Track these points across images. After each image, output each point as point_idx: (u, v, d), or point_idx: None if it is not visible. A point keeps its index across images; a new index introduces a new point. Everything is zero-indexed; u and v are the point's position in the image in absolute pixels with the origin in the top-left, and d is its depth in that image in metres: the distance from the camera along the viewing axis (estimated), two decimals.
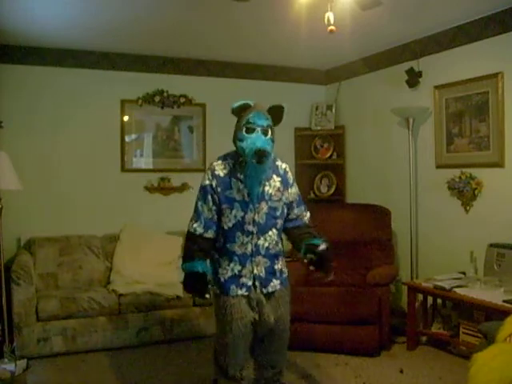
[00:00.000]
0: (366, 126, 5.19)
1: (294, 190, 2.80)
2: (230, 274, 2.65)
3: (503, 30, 3.71)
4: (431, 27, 4.16)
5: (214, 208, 2.62)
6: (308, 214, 2.87)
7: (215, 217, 2.64)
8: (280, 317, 2.72)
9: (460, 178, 4.08)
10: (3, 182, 3.57)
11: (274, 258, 2.73)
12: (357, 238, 4.57)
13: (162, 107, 5.02)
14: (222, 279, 2.66)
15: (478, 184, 3.96)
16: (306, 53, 4.85)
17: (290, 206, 2.77)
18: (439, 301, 4.00)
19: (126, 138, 4.95)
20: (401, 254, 4.73)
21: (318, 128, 5.54)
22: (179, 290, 4.22)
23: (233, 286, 2.63)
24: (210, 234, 2.64)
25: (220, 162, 2.71)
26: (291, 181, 2.79)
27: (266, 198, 2.64)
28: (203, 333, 4.26)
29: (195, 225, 2.64)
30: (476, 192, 3.98)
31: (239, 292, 2.63)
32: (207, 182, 2.65)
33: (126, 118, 4.93)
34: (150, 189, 4.99)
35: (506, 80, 3.72)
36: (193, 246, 2.63)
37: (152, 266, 4.51)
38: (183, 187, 5.08)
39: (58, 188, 4.65)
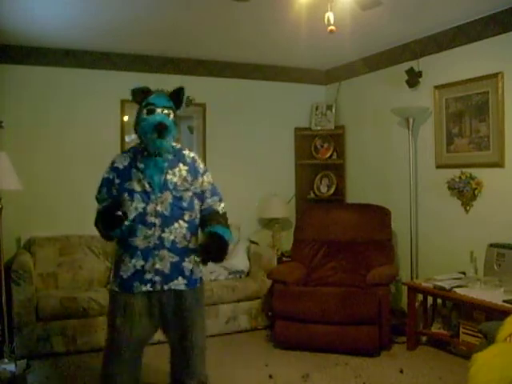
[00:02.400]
0: (366, 126, 5.19)
1: (206, 179, 2.66)
2: (132, 270, 2.50)
3: (503, 30, 3.71)
4: (431, 27, 4.16)
5: (109, 200, 2.54)
6: (223, 204, 2.74)
7: None
8: (187, 324, 2.56)
9: (460, 177, 4.08)
10: (3, 182, 3.57)
11: (183, 254, 2.55)
12: (357, 238, 4.57)
13: None
14: (125, 276, 2.51)
15: (478, 184, 3.96)
16: (305, 53, 4.85)
17: (201, 196, 2.64)
18: (439, 301, 4.00)
19: (126, 138, 4.94)
20: (401, 253, 4.73)
21: (318, 128, 5.54)
22: None
23: (136, 283, 2.49)
24: None
25: (121, 154, 2.67)
26: (201, 170, 2.66)
27: (170, 187, 2.52)
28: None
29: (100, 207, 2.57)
30: (476, 192, 3.98)
31: (143, 288, 2.49)
32: (105, 175, 2.61)
33: (125, 118, 4.92)
34: None
35: (506, 80, 3.72)
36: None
37: None
38: None
39: (58, 188, 4.65)
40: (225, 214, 2.72)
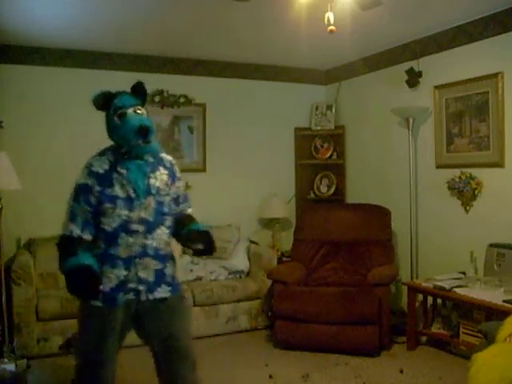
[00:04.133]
0: (366, 126, 5.19)
1: (180, 184, 2.55)
2: (115, 281, 2.30)
3: (503, 30, 3.71)
4: (431, 27, 4.16)
5: (88, 209, 2.29)
6: (190, 210, 2.62)
7: (91, 219, 2.30)
8: (175, 331, 2.44)
9: (460, 177, 4.08)
10: (3, 182, 3.57)
11: (164, 260, 2.41)
12: (357, 238, 4.57)
13: (162, 107, 5.02)
14: (107, 289, 2.30)
15: (478, 184, 3.96)
16: (305, 53, 4.85)
17: (175, 201, 2.50)
18: (439, 301, 4.00)
19: None
20: (401, 253, 4.73)
21: (318, 128, 5.54)
22: None
23: (120, 294, 2.32)
24: (88, 236, 2.29)
25: (98, 157, 2.39)
26: (178, 174, 2.54)
27: (153, 192, 2.36)
28: (203, 333, 4.27)
29: (71, 226, 2.27)
30: (476, 192, 3.98)
31: (127, 297, 2.33)
32: (82, 181, 2.34)
33: None
34: None
35: (506, 80, 3.72)
36: (71, 247, 2.24)
37: None
38: None
39: (58, 188, 4.61)
40: (194, 217, 2.62)
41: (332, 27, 2.82)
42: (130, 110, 2.33)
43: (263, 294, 4.59)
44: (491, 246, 3.74)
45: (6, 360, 3.44)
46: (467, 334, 3.63)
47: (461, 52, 4.08)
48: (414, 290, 3.99)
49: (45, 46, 4.54)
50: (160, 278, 2.39)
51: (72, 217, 2.30)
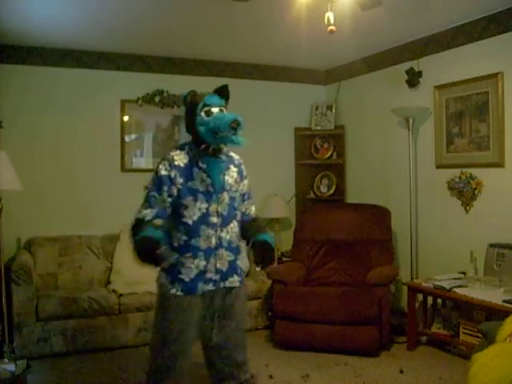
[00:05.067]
0: (366, 126, 5.19)
1: (247, 183, 2.75)
2: (195, 271, 2.46)
3: (503, 30, 3.71)
4: (431, 27, 4.16)
5: (168, 200, 2.43)
6: (254, 208, 2.88)
7: (169, 209, 2.44)
8: (235, 314, 2.60)
9: (460, 177, 4.08)
10: (3, 182, 3.57)
11: (236, 252, 2.61)
12: (357, 238, 4.57)
13: (162, 107, 5.02)
14: (187, 278, 2.46)
15: (477, 184, 3.96)
16: (305, 53, 4.85)
17: (242, 197, 2.71)
18: (439, 301, 4.00)
19: (126, 138, 4.95)
20: (401, 254, 4.73)
21: (318, 128, 5.54)
22: None
23: (200, 284, 2.47)
24: (160, 223, 2.40)
25: (178, 151, 2.53)
26: (245, 172, 2.75)
27: (227, 188, 2.56)
28: None
29: (146, 212, 2.40)
30: (476, 192, 3.98)
31: (206, 288, 2.48)
32: (164, 173, 2.44)
33: (125, 118, 4.93)
34: None
35: (506, 80, 3.72)
36: (142, 226, 2.36)
37: None
38: None
39: (58, 188, 4.65)
40: (259, 217, 2.91)
41: (332, 27, 2.82)
42: (216, 109, 2.51)
43: (263, 294, 4.59)
44: (491, 246, 3.74)
45: (6, 360, 3.44)
46: (467, 333, 3.63)
47: (461, 52, 4.08)
48: (413, 289, 3.99)
49: (45, 46, 4.54)
50: (232, 268, 2.58)
51: (149, 204, 2.43)
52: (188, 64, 5.11)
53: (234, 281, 2.59)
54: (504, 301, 3.22)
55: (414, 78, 4.48)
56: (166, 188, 2.42)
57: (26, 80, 4.54)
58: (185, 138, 5.29)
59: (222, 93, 2.60)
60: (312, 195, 5.61)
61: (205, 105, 2.51)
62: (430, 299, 4.07)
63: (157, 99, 4.97)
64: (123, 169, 4.92)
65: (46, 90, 4.61)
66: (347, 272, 4.47)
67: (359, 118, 5.29)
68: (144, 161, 5.06)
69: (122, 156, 4.91)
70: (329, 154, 5.55)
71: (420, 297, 4.10)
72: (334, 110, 5.50)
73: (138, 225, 2.38)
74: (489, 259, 3.74)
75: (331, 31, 2.83)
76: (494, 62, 3.79)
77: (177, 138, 5.15)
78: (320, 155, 5.59)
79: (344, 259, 4.53)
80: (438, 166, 4.33)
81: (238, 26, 4.07)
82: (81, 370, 3.67)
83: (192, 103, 2.54)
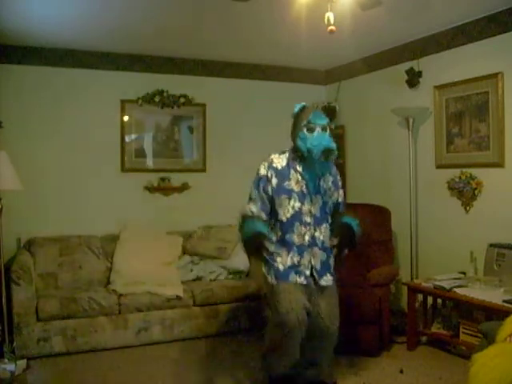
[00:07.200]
0: (366, 126, 5.19)
1: (341, 193, 3.07)
2: (289, 263, 2.77)
3: (503, 30, 3.71)
4: (431, 27, 4.16)
5: (265, 197, 2.81)
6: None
7: (268, 205, 2.81)
8: (332, 314, 2.86)
9: (460, 177, 4.08)
10: (3, 182, 3.57)
11: (328, 252, 2.87)
12: None
13: (162, 107, 5.02)
14: (282, 267, 2.77)
15: (477, 184, 3.96)
16: (305, 53, 4.85)
17: (336, 205, 2.99)
18: (439, 301, 4.00)
19: (126, 138, 4.95)
20: (401, 253, 4.73)
21: None
22: (179, 290, 4.24)
23: (292, 274, 2.76)
24: (263, 215, 2.79)
25: (277, 155, 2.91)
26: (340, 183, 3.05)
27: (322, 192, 2.85)
28: (203, 333, 4.27)
29: (251, 207, 2.80)
30: (476, 192, 3.98)
31: (298, 280, 2.75)
32: (263, 173, 2.84)
33: (125, 118, 4.93)
34: (150, 189, 4.99)
35: (506, 80, 3.72)
36: (250, 221, 2.72)
37: (152, 265, 4.51)
38: (183, 187, 5.07)
39: (58, 188, 4.65)
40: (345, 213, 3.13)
41: (332, 27, 2.82)
42: (319, 128, 2.80)
43: (263, 293, 4.58)
44: (491, 245, 3.74)
45: (5, 360, 3.44)
46: (467, 333, 3.63)
47: (461, 52, 4.08)
48: (413, 289, 3.99)
49: (44, 46, 4.54)
50: (325, 267, 2.87)
51: (252, 200, 2.85)
52: (188, 64, 5.12)
53: (328, 279, 2.87)
54: (504, 301, 3.23)
55: (413, 78, 4.48)
56: (262, 185, 2.83)
57: (26, 80, 4.54)
58: (185, 138, 5.32)
59: (327, 112, 2.96)
60: None
61: (309, 122, 2.81)
62: (430, 299, 4.07)
63: (157, 99, 4.97)
64: (123, 169, 4.92)
65: (46, 90, 4.61)
66: (347, 272, 4.45)
67: (359, 118, 5.29)
68: (144, 161, 5.05)
69: (122, 156, 4.91)
70: None
71: (420, 297, 4.10)
72: None
73: (247, 220, 2.75)
74: (489, 259, 3.74)
75: (331, 31, 2.83)
76: (494, 62, 3.79)
77: (177, 138, 5.15)
78: None
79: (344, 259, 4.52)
80: (438, 166, 4.33)
81: (238, 26, 4.07)
82: (81, 370, 3.67)
83: (298, 117, 2.86)
